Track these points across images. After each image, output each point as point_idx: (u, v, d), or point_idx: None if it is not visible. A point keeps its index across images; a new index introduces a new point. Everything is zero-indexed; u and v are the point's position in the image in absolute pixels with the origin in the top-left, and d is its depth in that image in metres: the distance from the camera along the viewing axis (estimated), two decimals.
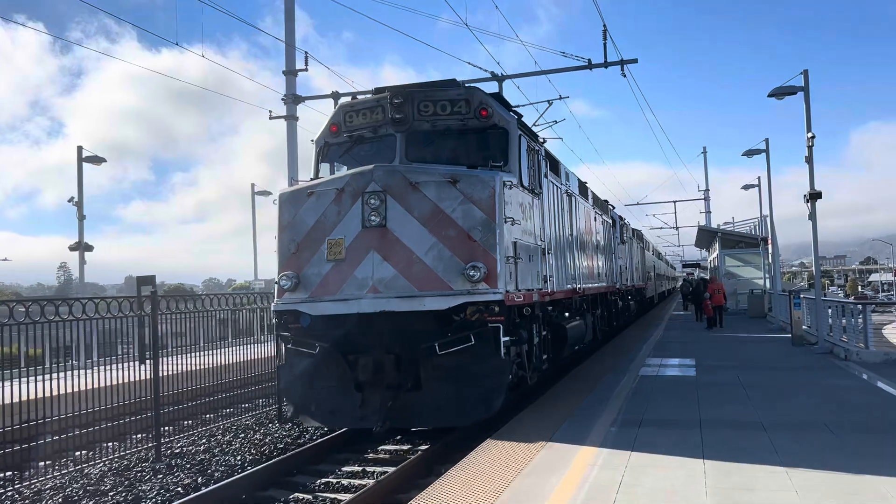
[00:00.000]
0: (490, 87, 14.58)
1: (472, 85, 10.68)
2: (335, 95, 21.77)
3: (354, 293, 9.10)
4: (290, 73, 23.55)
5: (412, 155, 9.90)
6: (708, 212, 51.51)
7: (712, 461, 6.63)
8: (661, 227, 57.98)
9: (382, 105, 10.04)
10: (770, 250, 27.07)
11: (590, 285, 16.18)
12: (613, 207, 23.86)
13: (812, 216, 16.83)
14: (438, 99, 9.98)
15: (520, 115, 11.05)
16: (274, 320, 9.98)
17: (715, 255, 38.76)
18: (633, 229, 31.17)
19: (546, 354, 11.65)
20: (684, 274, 74.63)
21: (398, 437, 10.19)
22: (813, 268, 18.59)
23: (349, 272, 9.19)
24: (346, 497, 7.55)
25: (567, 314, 13.49)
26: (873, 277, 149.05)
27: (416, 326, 8.95)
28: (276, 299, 9.76)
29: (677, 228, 58.85)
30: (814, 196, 16.56)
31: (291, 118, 23.66)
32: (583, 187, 16.94)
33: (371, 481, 8.09)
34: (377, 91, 10.53)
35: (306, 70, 23.62)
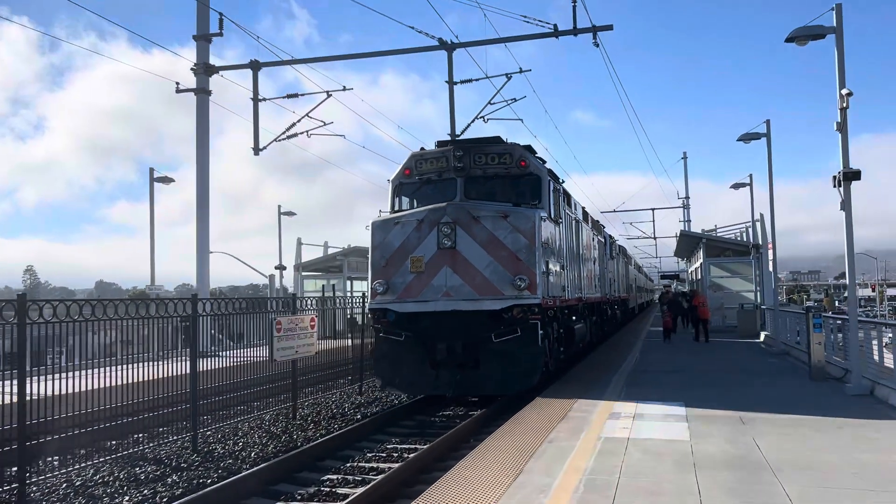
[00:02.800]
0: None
1: (514, 143, 14.20)
2: (255, 65, 21.02)
3: (432, 297, 12.94)
4: (203, 38, 21.58)
5: (469, 194, 13.54)
6: (688, 220, 49.44)
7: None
8: (639, 237, 54.78)
9: (446, 156, 13.75)
10: (769, 255, 22.17)
11: (590, 295, 20.13)
12: (604, 227, 27.87)
13: (846, 204, 12.26)
14: (489, 152, 13.72)
15: (544, 161, 14.89)
16: (369, 316, 14.20)
17: (698, 264, 34.16)
18: (620, 246, 35.41)
19: (562, 347, 15.55)
20: (661, 287, 76.15)
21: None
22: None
23: (427, 281, 13.03)
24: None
25: (574, 318, 17.29)
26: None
27: (477, 321, 12.68)
28: (369, 300, 13.82)
29: (655, 238, 54.70)
30: (849, 176, 12.15)
31: (202, 91, 21.34)
32: (585, 213, 20.79)
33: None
34: (440, 144, 14.46)
35: (220, 35, 21.59)
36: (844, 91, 11.98)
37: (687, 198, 50.33)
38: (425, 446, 10.25)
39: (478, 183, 13.69)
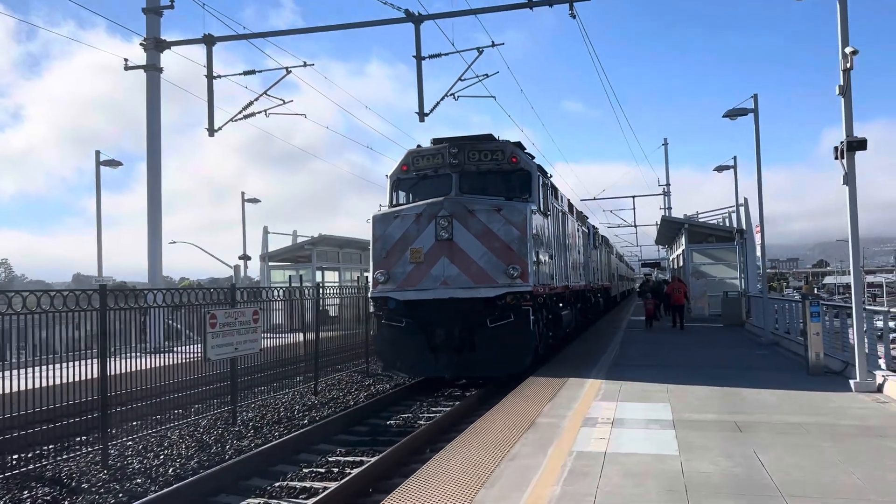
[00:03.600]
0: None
1: (505, 140, 14.88)
2: (208, 40, 20.13)
3: (430, 285, 13.58)
4: (152, 10, 20.36)
5: (464, 189, 14.19)
6: (669, 207, 48.06)
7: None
8: (620, 226, 53.35)
9: (442, 153, 14.45)
10: (757, 240, 20.14)
11: (575, 283, 20.67)
12: (587, 218, 28.00)
13: (849, 177, 10.60)
14: (482, 149, 14.43)
15: (533, 157, 15.49)
16: (371, 304, 14.86)
17: (680, 251, 33.01)
18: (602, 236, 35.25)
19: (551, 332, 16.10)
20: (642, 275, 75.59)
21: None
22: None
23: (426, 271, 13.66)
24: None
25: (561, 305, 17.74)
26: (828, 280, 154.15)
27: (473, 308, 13.32)
28: (371, 289, 14.39)
29: (636, 226, 53.90)
30: (853, 146, 10.52)
31: (153, 69, 20.13)
32: (570, 205, 21.20)
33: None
34: (436, 141, 14.96)
35: (171, 7, 20.56)
36: (848, 49, 10.42)
37: (668, 185, 48.68)
38: (374, 458, 8.78)
39: (472, 178, 14.33)
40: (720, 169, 27.90)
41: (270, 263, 32.56)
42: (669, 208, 48.17)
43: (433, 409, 12.82)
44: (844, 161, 10.62)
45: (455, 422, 11.12)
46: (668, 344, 18.80)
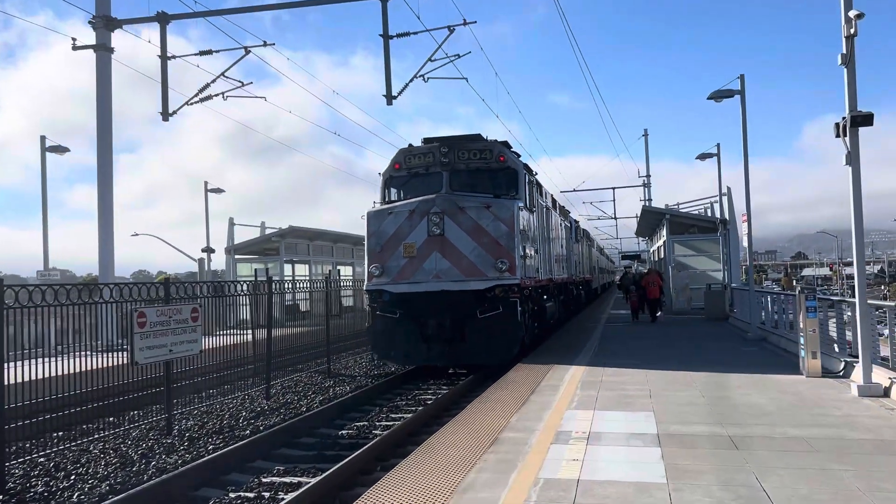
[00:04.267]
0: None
1: (493, 139, 15.38)
2: (162, 18, 19.39)
3: (423, 278, 14.08)
4: None
5: (454, 186, 14.65)
6: (649, 199, 46.41)
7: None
8: (599, 217, 51.65)
9: (433, 152, 14.95)
10: (743, 230, 18.03)
11: (559, 276, 21.23)
12: (569, 212, 28.23)
13: (852, 156, 9.42)
14: (471, 148, 14.91)
15: (519, 155, 16.16)
16: (366, 296, 15.19)
17: (661, 242, 31.65)
18: (583, 230, 35.46)
19: (536, 323, 16.65)
20: (622, 268, 74.89)
21: (364, 420, 11.83)
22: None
23: (419, 265, 14.16)
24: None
25: (545, 297, 18.29)
26: (806, 272, 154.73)
27: (464, 300, 13.87)
28: (366, 282, 14.80)
29: (616, 219, 52.34)
30: (857, 121, 9.32)
31: (103, 49, 19.29)
32: (553, 200, 21.82)
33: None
34: (427, 140, 15.42)
35: None
36: (852, 13, 9.16)
37: (648, 176, 46.69)
38: (313, 480, 7.54)
39: (461, 176, 14.84)
40: (703, 157, 26.72)
41: (237, 257, 31.18)
42: (650, 200, 46.60)
43: (393, 415, 11.60)
44: (847, 139, 9.42)
45: (414, 431, 9.91)
46: (651, 339, 17.68)
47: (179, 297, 11.40)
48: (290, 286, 15.34)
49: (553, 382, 11.12)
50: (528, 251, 15.20)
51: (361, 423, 10.94)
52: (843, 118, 9.45)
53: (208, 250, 32.84)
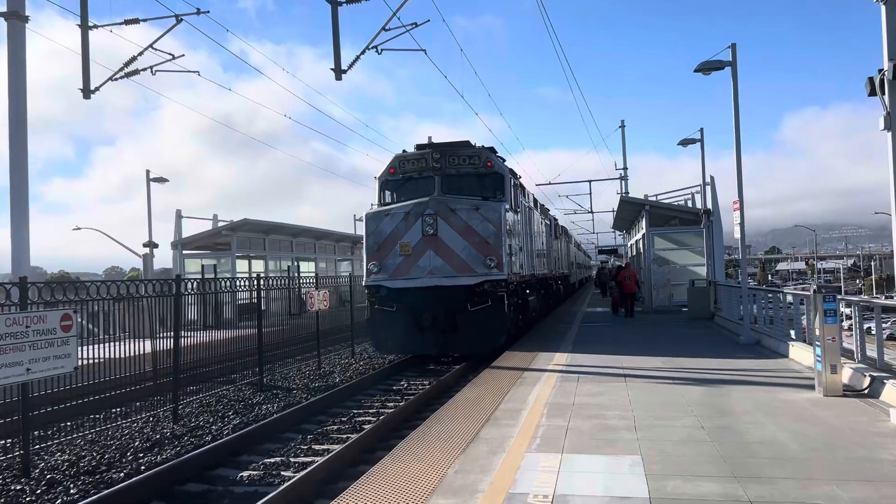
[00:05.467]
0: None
1: (481, 146, 16.49)
2: None
3: (418, 275, 15.18)
4: None
5: (445, 189, 15.84)
6: (626, 192, 43.69)
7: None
8: (575, 211, 49.35)
9: (426, 157, 16.09)
10: (736, 218, 15.46)
11: (540, 271, 22.42)
12: (549, 211, 29.14)
13: (892, 119, 7.80)
14: (461, 154, 16.03)
15: (504, 160, 17.27)
16: (366, 291, 16.11)
17: (639, 235, 29.92)
18: (562, 227, 36.37)
19: (520, 315, 17.84)
20: (599, 262, 73.40)
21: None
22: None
23: (414, 262, 15.28)
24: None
25: (528, 291, 19.49)
26: (781, 266, 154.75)
27: (456, 294, 14.99)
28: (365, 278, 15.81)
29: (592, 213, 49.63)
30: None
31: (15, 17, 17.69)
32: (535, 200, 23.18)
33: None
34: (419, 147, 16.50)
35: None
36: None
37: (625, 168, 44.02)
38: None
39: (452, 180, 15.98)
40: (686, 143, 25.07)
41: (185, 252, 29.05)
42: (627, 193, 43.59)
43: (316, 445, 9.38)
44: (886, 97, 7.40)
45: (331, 477, 7.68)
46: (631, 343, 15.63)
47: (45, 302, 9.05)
48: (214, 287, 12.92)
49: (515, 405, 8.99)
50: (513, 249, 16.28)
51: (273, 460, 8.69)
52: (881, 71, 7.44)
53: (150, 245, 30.29)
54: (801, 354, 11.91)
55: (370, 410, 11.62)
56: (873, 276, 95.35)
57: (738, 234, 15.93)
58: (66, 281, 12.72)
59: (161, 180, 32.80)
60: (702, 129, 24.83)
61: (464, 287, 14.95)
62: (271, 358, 16.26)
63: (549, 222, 27.17)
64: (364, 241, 16.00)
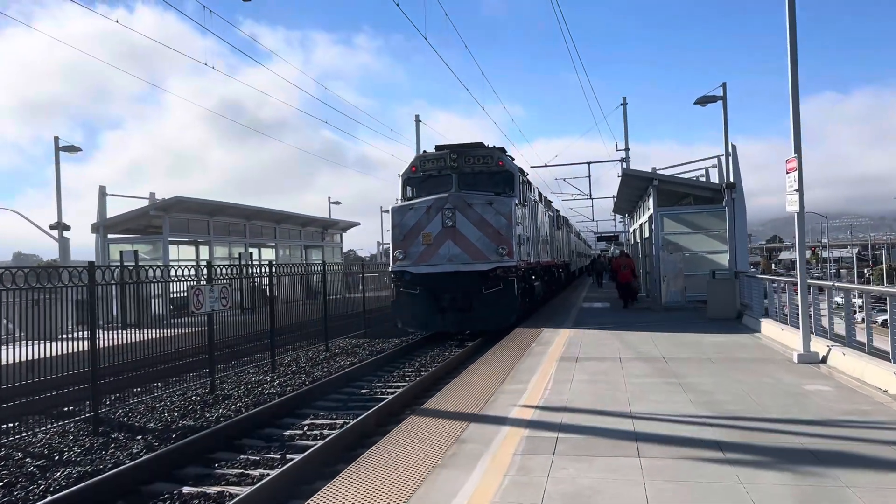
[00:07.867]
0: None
1: (494, 147, 18.88)
2: None
3: (439, 262, 17.53)
4: None
5: (462, 186, 18.07)
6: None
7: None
8: (574, 197, 45.33)
9: (444, 157, 18.37)
10: (794, 182, 10.79)
11: (544, 259, 24.89)
12: (552, 202, 31.42)
13: None
14: (476, 154, 18.35)
15: (514, 159, 19.55)
16: (392, 276, 18.41)
17: (645, 217, 25.30)
18: (563, 217, 38.44)
19: (527, 298, 19.73)
20: (597, 252, 70.35)
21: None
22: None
23: (435, 251, 17.62)
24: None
25: (534, 277, 21.47)
26: (784, 255, 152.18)
27: (472, 278, 17.31)
28: (391, 265, 18.25)
29: (591, 198, 44.78)
30: None
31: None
32: (540, 194, 25.34)
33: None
34: (438, 147, 18.84)
35: None
36: None
37: (627, 149, 35.60)
38: None
39: (468, 177, 18.17)
40: (704, 101, 21.19)
41: (110, 236, 25.05)
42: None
43: (250, 470, 7.37)
44: None
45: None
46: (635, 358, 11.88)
47: None
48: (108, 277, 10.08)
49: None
50: (522, 239, 18.55)
51: (202, 489, 6.75)
52: None
53: (60, 226, 25.49)
54: None
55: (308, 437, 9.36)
56: (884, 265, 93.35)
57: (792, 207, 10.92)
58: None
59: (72, 149, 27.05)
60: (724, 84, 20.75)
61: (479, 272, 17.29)
62: (229, 356, 14.22)
63: (552, 213, 29.73)
64: (390, 232, 18.44)
